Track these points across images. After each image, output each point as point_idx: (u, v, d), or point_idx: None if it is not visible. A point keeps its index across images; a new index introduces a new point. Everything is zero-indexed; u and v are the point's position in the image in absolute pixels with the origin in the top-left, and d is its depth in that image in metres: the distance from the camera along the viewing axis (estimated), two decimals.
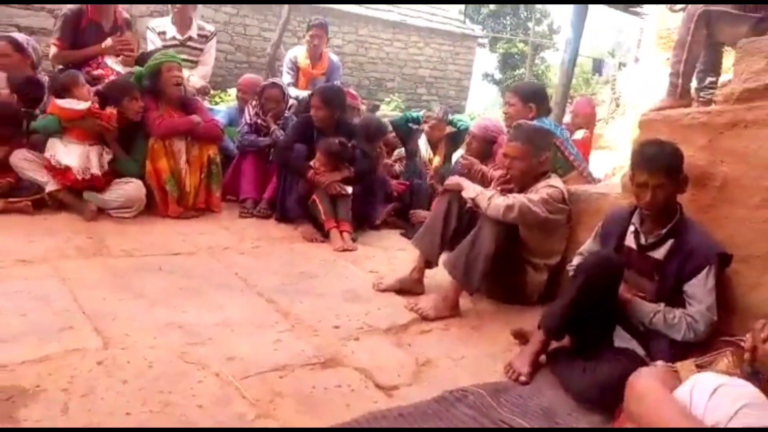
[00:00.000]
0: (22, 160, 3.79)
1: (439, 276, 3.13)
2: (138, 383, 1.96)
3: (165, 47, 4.78)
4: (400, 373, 2.29)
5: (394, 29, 13.92)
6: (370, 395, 2.11)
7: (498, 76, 19.26)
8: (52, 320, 2.33)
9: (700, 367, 1.45)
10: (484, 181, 3.51)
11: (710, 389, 1.02)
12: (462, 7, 17.63)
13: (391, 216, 4.57)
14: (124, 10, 4.84)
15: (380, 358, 2.37)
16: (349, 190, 4.08)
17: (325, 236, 3.94)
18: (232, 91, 7.89)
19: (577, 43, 5.58)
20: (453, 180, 3.19)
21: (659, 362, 1.11)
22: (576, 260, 2.70)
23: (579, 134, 5.35)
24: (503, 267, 2.89)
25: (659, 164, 2.31)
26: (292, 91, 5.05)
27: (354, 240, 3.96)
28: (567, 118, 5.74)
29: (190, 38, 4.89)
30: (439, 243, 3.12)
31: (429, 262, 3.17)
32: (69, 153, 3.78)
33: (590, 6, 5.98)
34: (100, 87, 4.11)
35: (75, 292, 2.63)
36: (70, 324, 2.33)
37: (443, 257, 3.10)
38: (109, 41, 4.32)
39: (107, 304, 2.55)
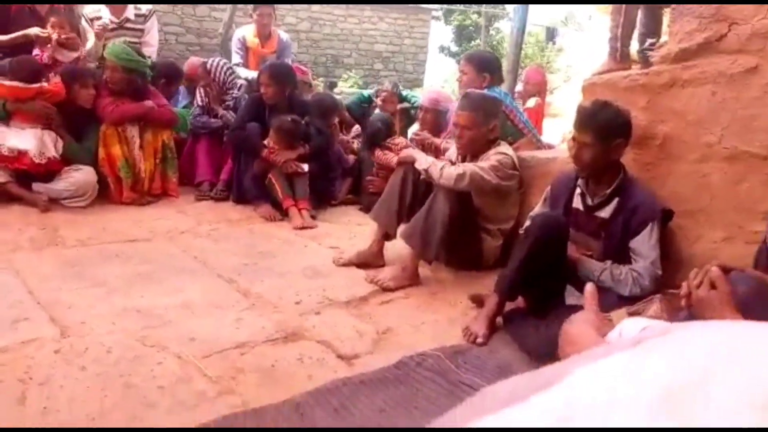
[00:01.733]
0: None
1: (398, 247, 3.16)
2: (97, 369, 1.96)
3: (101, 32, 4.64)
4: (360, 342, 2.33)
5: (347, 5, 13.76)
6: (331, 365, 2.14)
7: (454, 48, 19.20)
8: (6, 312, 2.31)
9: (632, 315, 1.54)
10: (438, 153, 3.55)
11: (635, 331, 1.08)
12: None
13: (347, 194, 4.58)
14: None
15: (341, 330, 2.41)
16: (305, 167, 4.07)
17: (284, 215, 3.94)
18: None
19: (525, 12, 5.62)
20: (406, 153, 3.23)
21: (586, 307, 1.15)
22: (528, 224, 2.77)
23: (531, 102, 5.42)
24: (459, 235, 2.94)
25: (588, 124, 2.38)
26: (243, 72, 4.97)
27: (313, 217, 3.97)
28: (519, 87, 5.81)
29: (127, 20, 4.67)
30: (397, 215, 3.16)
31: (388, 235, 3.20)
32: (22, 137, 3.70)
33: None
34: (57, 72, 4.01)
35: (29, 284, 2.60)
36: (25, 315, 2.30)
37: (401, 229, 3.14)
38: (35, 30, 4.16)
39: (63, 294, 2.53)
